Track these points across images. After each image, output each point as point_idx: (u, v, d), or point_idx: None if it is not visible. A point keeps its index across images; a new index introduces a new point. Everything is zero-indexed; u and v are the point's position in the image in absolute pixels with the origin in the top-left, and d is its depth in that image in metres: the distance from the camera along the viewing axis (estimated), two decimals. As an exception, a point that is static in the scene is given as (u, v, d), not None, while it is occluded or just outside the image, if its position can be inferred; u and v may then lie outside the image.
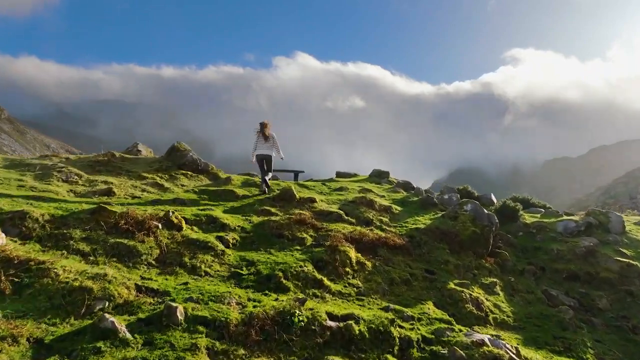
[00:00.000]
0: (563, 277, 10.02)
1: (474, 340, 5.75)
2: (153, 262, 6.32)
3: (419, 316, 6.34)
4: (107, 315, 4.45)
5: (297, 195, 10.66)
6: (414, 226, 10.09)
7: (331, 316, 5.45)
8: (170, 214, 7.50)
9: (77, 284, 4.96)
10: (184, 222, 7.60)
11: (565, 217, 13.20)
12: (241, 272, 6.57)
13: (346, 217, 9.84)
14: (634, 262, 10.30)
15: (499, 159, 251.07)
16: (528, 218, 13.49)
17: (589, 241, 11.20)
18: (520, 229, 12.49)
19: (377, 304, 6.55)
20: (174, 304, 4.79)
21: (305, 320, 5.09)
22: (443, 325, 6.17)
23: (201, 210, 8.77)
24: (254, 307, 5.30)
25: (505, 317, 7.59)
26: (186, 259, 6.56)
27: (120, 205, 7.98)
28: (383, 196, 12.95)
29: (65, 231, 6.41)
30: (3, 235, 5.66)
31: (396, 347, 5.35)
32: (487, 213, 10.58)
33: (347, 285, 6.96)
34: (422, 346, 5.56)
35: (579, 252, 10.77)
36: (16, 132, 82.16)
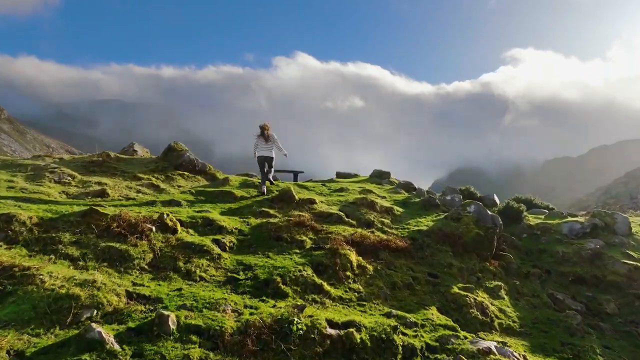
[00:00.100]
0: (569, 281, 9.78)
1: (480, 348, 5.52)
2: (146, 267, 6.07)
3: (423, 322, 6.12)
4: (94, 325, 4.20)
5: (296, 197, 10.42)
6: (416, 228, 9.84)
7: (331, 323, 5.23)
8: (165, 216, 7.25)
9: (63, 291, 4.70)
10: (179, 224, 7.35)
11: (570, 219, 12.93)
12: (238, 276, 6.33)
13: (347, 219, 9.59)
14: (642, 265, 10.06)
15: (499, 159, 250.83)
16: (532, 219, 13.23)
17: (595, 243, 10.95)
18: (524, 231, 12.24)
19: (379, 310, 6.32)
20: (165, 312, 4.55)
21: (304, 328, 4.85)
22: (447, 332, 5.95)
23: (197, 212, 8.52)
24: (251, 314, 5.08)
25: (511, 323, 7.37)
26: (180, 264, 6.31)
27: (113, 207, 7.72)
28: (384, 197, 12.70)
29: (54, 235, 6.15)
30: (-12, 239, 5.41)
31: (399, 356, 5.15)
32: (491, 214, 10.33)
33: (347, 290, 6.72)
34: (426, 354, 5.37)
35: (585, 254, 10.53)
36: (16, 132, 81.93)
